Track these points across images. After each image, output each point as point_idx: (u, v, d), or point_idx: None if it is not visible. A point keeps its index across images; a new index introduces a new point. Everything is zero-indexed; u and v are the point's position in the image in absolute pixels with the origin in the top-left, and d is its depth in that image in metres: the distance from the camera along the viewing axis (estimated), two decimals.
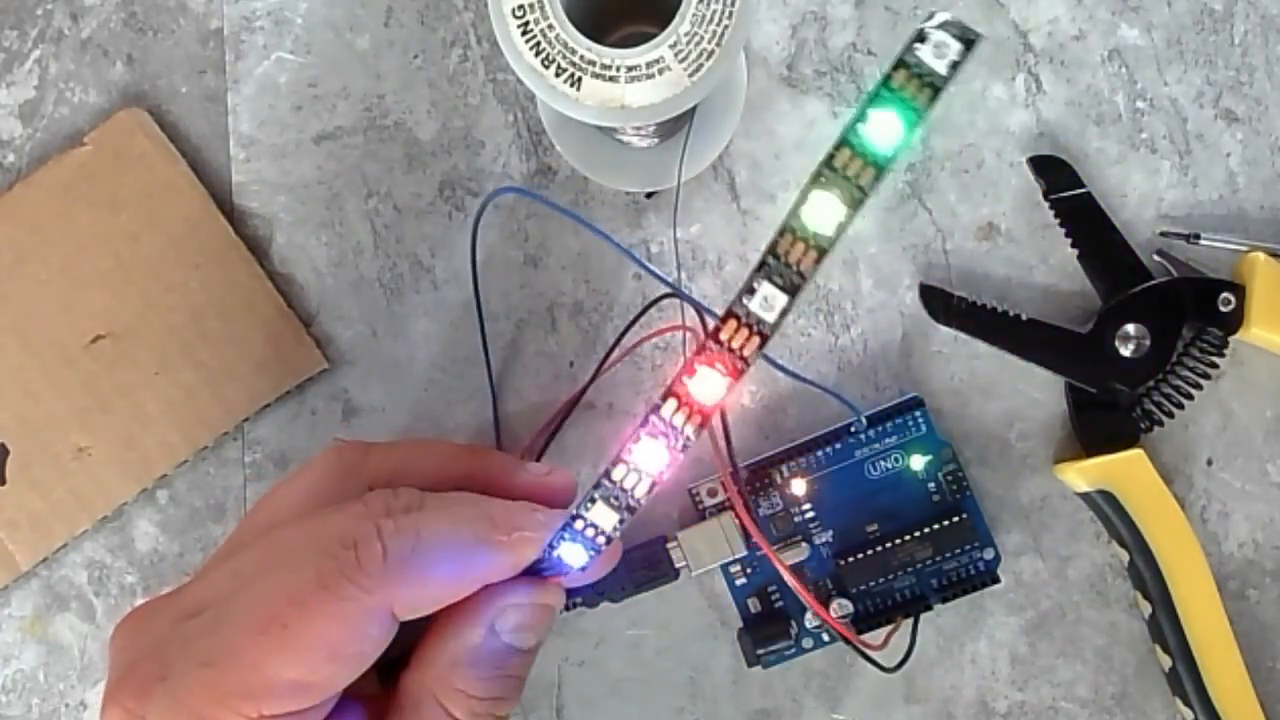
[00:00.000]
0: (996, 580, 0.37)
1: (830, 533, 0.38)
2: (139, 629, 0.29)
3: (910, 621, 0.37)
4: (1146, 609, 0.37)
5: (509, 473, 0.34)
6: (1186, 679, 0.36)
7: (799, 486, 0.37)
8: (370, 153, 0.40)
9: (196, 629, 0.28)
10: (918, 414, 0.38)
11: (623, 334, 0.38)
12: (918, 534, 0.37)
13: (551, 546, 0.30)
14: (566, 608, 0.37)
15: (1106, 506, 0.37)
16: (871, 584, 0.37)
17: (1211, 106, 0.39)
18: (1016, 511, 0.39)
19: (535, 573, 0.31)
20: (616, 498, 0.29)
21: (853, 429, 0.38)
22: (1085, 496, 0.38)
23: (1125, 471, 0.37)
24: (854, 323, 0.39)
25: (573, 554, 0.30)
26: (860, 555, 0.37)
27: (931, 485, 0.38)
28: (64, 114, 0.41)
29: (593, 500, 0.29)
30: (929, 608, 0.37)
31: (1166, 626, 0.37)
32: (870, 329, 0.39)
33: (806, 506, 0.38)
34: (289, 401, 0.40)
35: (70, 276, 0.39)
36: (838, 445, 0.38)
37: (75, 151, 0.39)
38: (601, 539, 0.30)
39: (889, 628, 0.37)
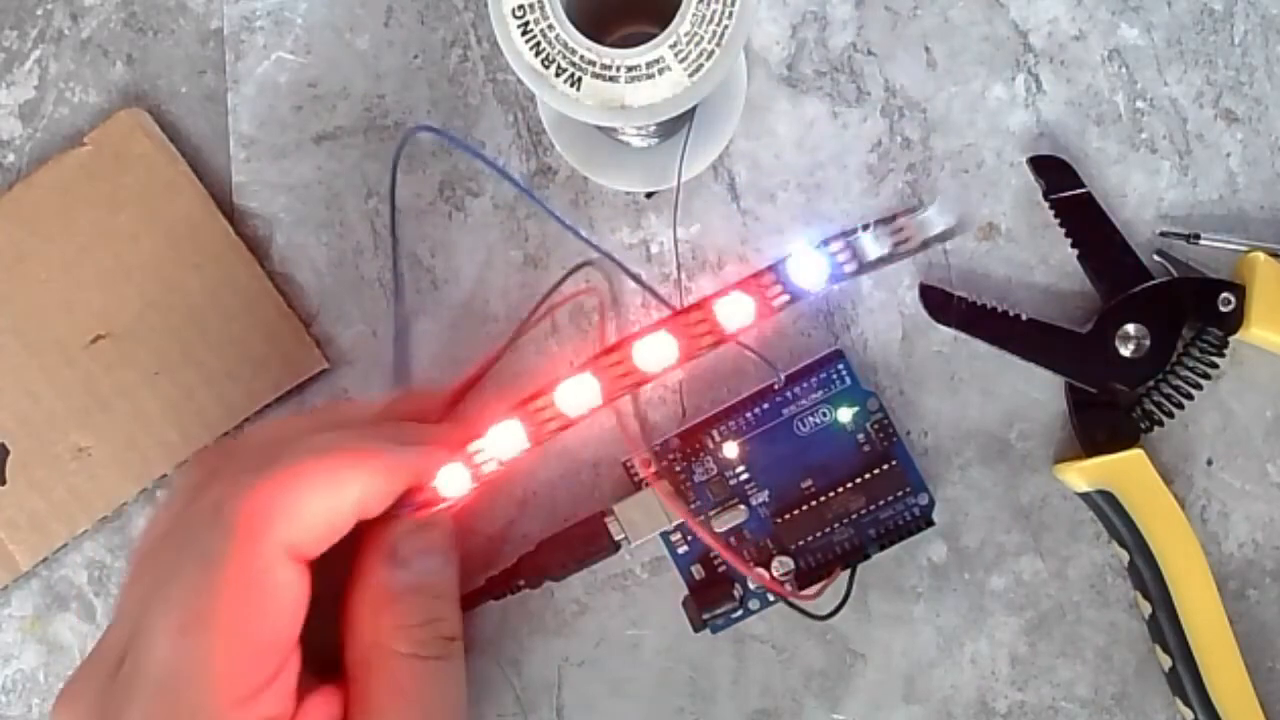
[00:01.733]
0: (931, 524, 0.38)
1: (766, 492, 0.38)
2: (75, 697, 0.29)
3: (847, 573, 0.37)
4: (1146, 609, 0.37)
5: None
6: (1186, 679, 0.36)
7: (731, 449, 0.38)
8: (370, 153, 0.40)
9: (129, 670, 0.28)
10: (840, 366, 0.38)
11: (543, 300, 0.38)
12: (850, 485, 0.37)
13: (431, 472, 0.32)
14: (511, 591, 0.37)
15: (1106, 506, 0.37)
16: (810, 539, 0.37)
17: (1211, 106, 0.39)
18: (1016, 511, 0.39)
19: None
20: (530, 426, 0.32)
21: (774, 386, 0.38)
22: (1085, 496, 0.38)
23: (1125, 471, 0.37)
24: (854, 323, 0.39)
25: (455, 479, 0.32)
26: (796, 511, 0.37)
27: (860, 436, 0.38)
28: (64, 114, 0.41)
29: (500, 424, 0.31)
30: (866, 557, 0.37)
31: (1166, 626, 0.37)
32: (870, 329, 0.39)
33: (740, 469, 0.38)
34: (289, 401, 0.40)
35: (70, 276, 0.39)
36: (765, 405, 0.38)
37: (75, 151, 0.39)
38: (491, 465, 0.32)
39: (826, 580, 0.37)
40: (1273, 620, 0.38)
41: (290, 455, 0.30)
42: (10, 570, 0.39)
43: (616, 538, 0.37)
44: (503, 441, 0.32)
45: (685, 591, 0.38)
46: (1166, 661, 0.37)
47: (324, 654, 0.31)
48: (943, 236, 0.33)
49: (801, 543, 0.37)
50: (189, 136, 0.40)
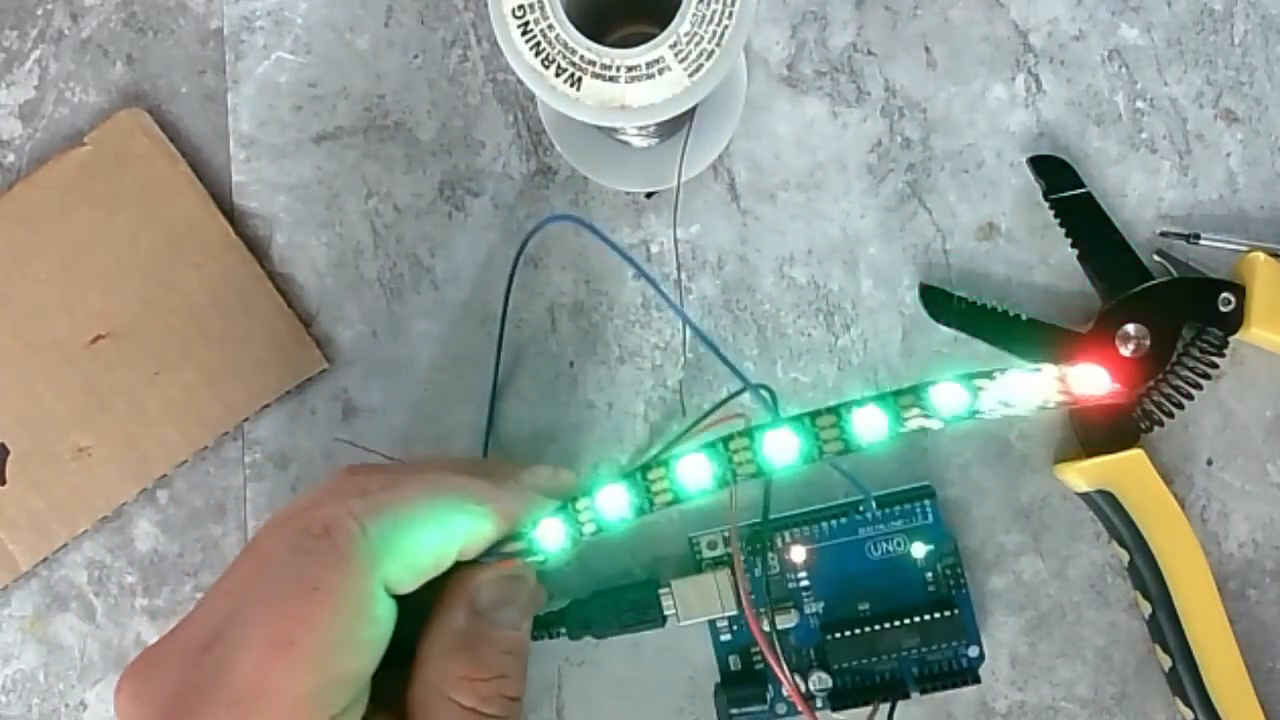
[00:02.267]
0: (977, 680, 0.37)
1: (821, 604, 0.37)
2: (149, 676, 0.29)
3: (887, 707, 0.37)
4: (1146, 609, 0.37)
5: (507, 479, 0.34)
6: (1186, 679, 0.36)
7: (798, 554, 0.37)
8: (370, 153, 0.40)
9: (210, 670, 0.28)
10: (927, 503, 0.38)
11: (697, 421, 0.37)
12: (908, 621, 0.37)
13: (533, 523, 0.31)
14: (550, 636, 0.37)
15: (1106, 506, 0.37)
16: (854, 663, 0.37)
17: (1211, 106, 0.39)
18: (1016, 511, 0.39)
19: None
20: (638, 496, 0.31)
21: (860, 508, 0.37)
22: (1085, 496, 0.38)
23: (1125, 471, 0.37)
24: (854, 323, 0.39)
25: (553, 534, 0.31)
26: (848, 633, 0.37)
27: (929, 575, 0.37)
28: (64, 114, 0.41)
29: (611, 486, 0.30)
30: (906, 696, 0.37)
31: (1166, 626, 0.37)
32: (870, 329, 0.39)
33: (803, 574, 0.37)
34: (289, 401, 0.40)
35: (70, 276, 0.39)
36: (843, 520, 0.38)
37: (75, 151, 0.39)
38: (590, 527, 0.31)
39: (863, 711, 0.36)
40: (1273, 620, 0.38)
41: (407, 489, 0.30)
42: (10, 570, 0.39)
43: (666, 612, 0.37)
44: (609, 505, 0.32)
45: (717, 679, 0.38)
46: (1166, 661, 0.37)
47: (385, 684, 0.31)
48: None
49: (845, 664, 0.37)
50: (189, 136, 0.40)
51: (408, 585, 0.29)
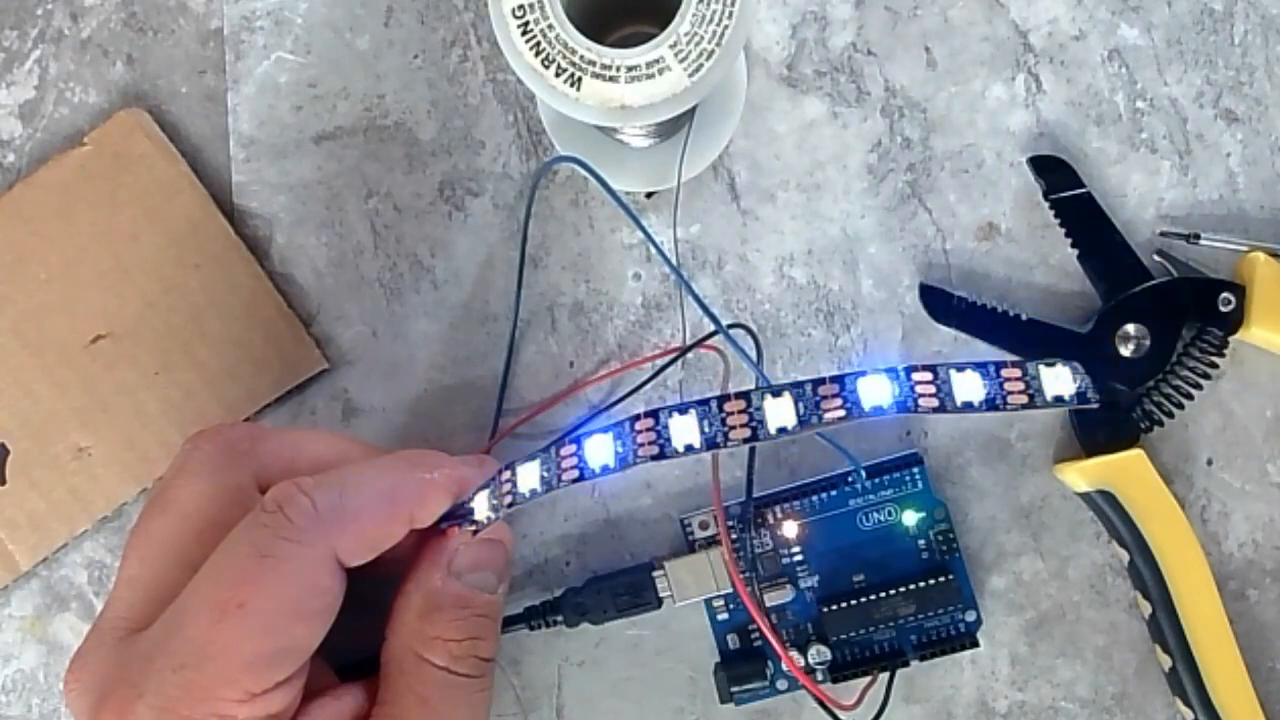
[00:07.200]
0: (976, 644, 0.37)
1: (816, 578, 0.38)
2: (88, 665, 0.29)
3: (885, 676, 0.37)
4: (1146, 609, 0.37)
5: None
6: (1186, 679, 0.36)
7: (791, 528, 0.37)
8: (370, 153, 0.40)
9: (154, 640, 0.28)
10: (915, 471, 0.38)
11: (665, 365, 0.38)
12: (903, 589, 0.37)
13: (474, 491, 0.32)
14: (546, 624, 0.37)
15: (1106, 506, 0.37)
16: (852, 634, 0.37)
17: (1211, 106, 0.39)
18: (1016, 511, 0.39)
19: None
20: (549, 472, 0.30)
21: (850, 479, 0.38)
22: (1085, 496, 0.38)
23: (1125, 471, 0.37)
24: (854, 323, 0.39)
25: (481, 506, 0.31)
26: (844, 604, 0.37)
27: (921, 542, 0.38)
28: (64, 114, 0.41)
29: (531, 459, 0.30)
30: (906, 664, 0.37)
31: (1166, 626, 0.37)
32: (870, 329, 0.39)
33: (796, 549, 0.38)
34: (289, 401, 0.40)
35: (70, 276, 0.39)
36: (833, 492, 0.38)
37: (75, 151, 0.39)
38: (508, 499, 0.30)
39: (864, 681, 0.37)
40: (1273, 620, 0.38)
41: (354, 471, 0.31)
42: (10, 570, 0.39)
43: (662, 594, 0.37)
44: (524, 480, 0.31)
45: (716, 659, 0.38)
46: (1166, 661, 0.37)
47: (351, 653, 0.31)
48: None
49: (842, 636, 0.37)
50: (189, 136, 0.40)
51: (360, 557, 0.30)
